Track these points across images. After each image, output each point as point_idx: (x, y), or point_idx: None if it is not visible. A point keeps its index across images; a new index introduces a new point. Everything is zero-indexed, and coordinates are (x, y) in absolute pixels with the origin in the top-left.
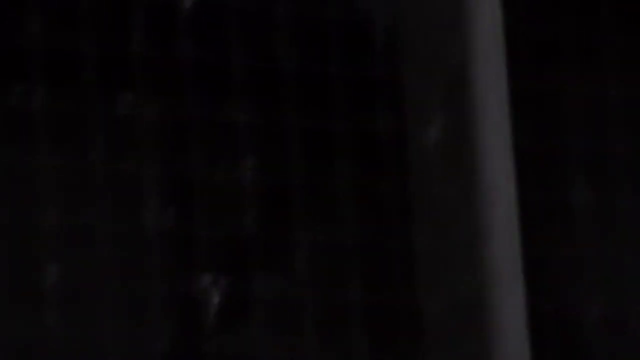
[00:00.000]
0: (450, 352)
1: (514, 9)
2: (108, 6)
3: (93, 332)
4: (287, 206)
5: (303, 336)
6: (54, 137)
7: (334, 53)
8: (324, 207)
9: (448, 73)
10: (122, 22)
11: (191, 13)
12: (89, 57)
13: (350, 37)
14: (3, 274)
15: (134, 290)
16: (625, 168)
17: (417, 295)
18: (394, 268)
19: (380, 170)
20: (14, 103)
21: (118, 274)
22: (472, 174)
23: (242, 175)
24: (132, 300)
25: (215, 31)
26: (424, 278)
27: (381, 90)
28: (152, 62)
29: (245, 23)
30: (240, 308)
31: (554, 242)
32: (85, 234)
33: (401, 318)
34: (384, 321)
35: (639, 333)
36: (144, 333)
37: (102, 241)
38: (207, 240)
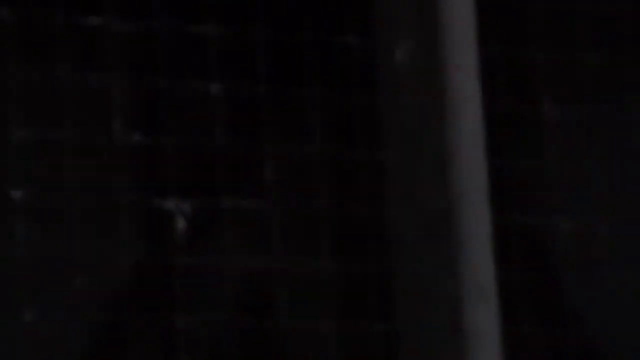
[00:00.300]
0: (416, 263)
1: None
2: None
3: (62, 248)
4: (255, 120)
5: (272, 249)
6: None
7: None
8: (292, 121)
9: None
10: None
11: None
12: None
13: None
14: None
15: (103, 205)
16: (593, 80)
17: (386, 207)
18: (362, 180)
19: (350, 86)
20: None
21: (87, 188)
22: (441, 91)
23: (211, 89)
24: (101, 216)
25: None
26: (393, 191)
27: (350, 6)
28: None
29: None
30: (209, 222)
31: (521, 156)
32: (53, 148)
33: (369, 230)
34: (351, 233)
35: (606, 247)
36: (113, 248)
37: (70, 155)
38: (175, 154)
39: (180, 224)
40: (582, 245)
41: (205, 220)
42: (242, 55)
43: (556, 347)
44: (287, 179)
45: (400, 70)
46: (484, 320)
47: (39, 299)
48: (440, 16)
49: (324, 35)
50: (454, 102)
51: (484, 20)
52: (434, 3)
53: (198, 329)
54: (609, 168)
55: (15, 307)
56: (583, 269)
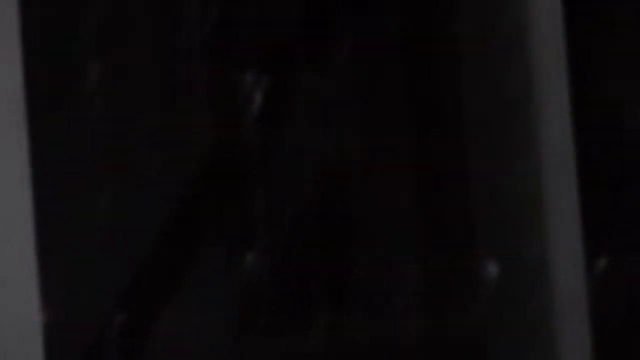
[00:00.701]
0: (494, 145)
1: None
2: None
3: (137, 127)
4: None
5: (347, 129)
6: None
7: None
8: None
9: None
10: None
11: None
12: None
13: None
14: (43, 75)
15: (178, 85)
16: None
17: (462, 87)
18: (438, 58)
19: None
20: None
21: (159, 67)
22: None
23: None
24: (176, 95)
25: None
26: (468, 71)
27: None
28: None
29: None
30: (284, 102)
31: (601, 35)
32: (127, 27)
33: (446, 108)
34: (428, 112)
35: None
36: (188, 126)
37: (142, 35)
38: (254, 29)
39: (258, 99)
40: None
41: (282, 97)
42: None
43: (635, 215)
44: (364, 58)
45: None
46: (563, 191)
47: (118, 175)
48: None
49: None
50: None
51: None
52: None
53: (275, 206)
54: None
55: (95, 184)
56: None
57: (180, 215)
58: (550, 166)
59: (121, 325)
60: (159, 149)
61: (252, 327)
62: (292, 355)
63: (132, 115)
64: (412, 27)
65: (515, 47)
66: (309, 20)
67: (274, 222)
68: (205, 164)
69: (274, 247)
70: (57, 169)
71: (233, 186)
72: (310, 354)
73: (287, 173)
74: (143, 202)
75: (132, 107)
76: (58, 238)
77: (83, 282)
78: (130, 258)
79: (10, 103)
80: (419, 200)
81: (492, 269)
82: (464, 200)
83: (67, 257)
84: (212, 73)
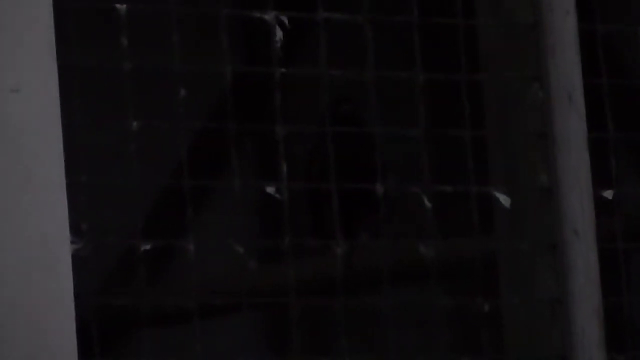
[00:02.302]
0: (505, 73)
1: None
2: None
3: (165, 59)
4: None
5: (365, 60)
6: None
7: None
8: None
9: None
10: None
11: None
12: None
13: None
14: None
15: (204, 17)
16: None
17: (476, 18)
18: None
19: None
20: None
21: (188, 1)
22: None
23: None
24: (202, 27)
25: None
26: (481, 3)
27: None
28: None
29: None
30: (306, 34)
31: None
32: None
33: (459, 41)
34: (443, 43)
35: None
36: (214, 59)
37: None
38: None
39: (279, 34)
40: None
41: (302, 32)
42: None
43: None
44: None
45: None
46: (572, 125)
47: (144, 109)
48: None
49: None
50: None
51: None
52: None
53: (296, 137)
54: None
55: (122, 117)
56: None
57: (205, 147)
58: (559, 101)
59: (145, 253)
60: (184, 83)
61: (272, 253)
62: (312, 278)
63: (159, 50)
64: None
65: None
66: None
67: (293, 152)
68: (228, 97)
69: (293, 177)
70: (86, 99)
71: (254, 118)
72: (328, 277)
73: (306, 106)
74: (168, 134)
75: (158, 43)
76: (86, 169)
77: (110, 212)
78: (154, 189)
79: (43, 36)
80: (433, 131)
81: (504, 199)
82: (476, 131)
83: (94, 189)
84: (236, 12)
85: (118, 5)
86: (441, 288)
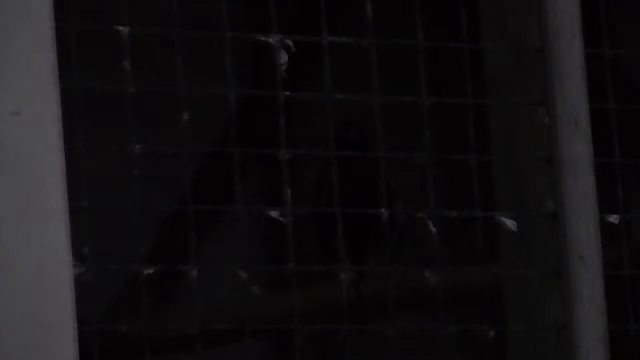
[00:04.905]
0: (512, 98)
1: None
2: None
3: (165, 83)
4: None
5: (371, 84)
6: None
7: None
8: None
9: None
10: None
11: None
12: None
13: None
14: (74, 35)
15: (208, 41)
16: None
17: (482, 41)
18: (458, 16)
19: None
20: None
21: (193, 25)
22: None
23: None
24: (206, 51)
25: None
26: (487, 26)
27: None
28: None
29: None
30: (311, 58)
31: None
32: None
33: (466, 65)
34: (448, 68)
35: None
36: (218, 83)
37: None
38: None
39: (283, 58)
40: None
41: (307, 56)
42: None
43: None
44: (387, 16)
45: None
46: (578, 150)
47: (147, 133)
48: None
49: None
50: None
51: None
52: None
53: (300, 161)
54: None
55: (125, 141)
56: None
57: (206, 173)
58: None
59: (148, 278)
60: (188, 107)
61: (277, 279)
62: (317, 305)
63: (162, 73)
64: None
65: None
66: None
67: (298, 178)
68: (232, 121)
69: (298, 203)
70: (88, 123)
71: (259, 143)
72: (334, 304)
73: (311, 130)
74: (171, 158)
75: (162, 66)
76: (88, 194)
77: (112, 237)
78: (158, 215)
79: (45, 59)
80: (439, 157)
81: (510, 223)
82: (482, 155)
83: (96, 213)
84: (241, 37)
85: (121, 28)
86: (447, 315)
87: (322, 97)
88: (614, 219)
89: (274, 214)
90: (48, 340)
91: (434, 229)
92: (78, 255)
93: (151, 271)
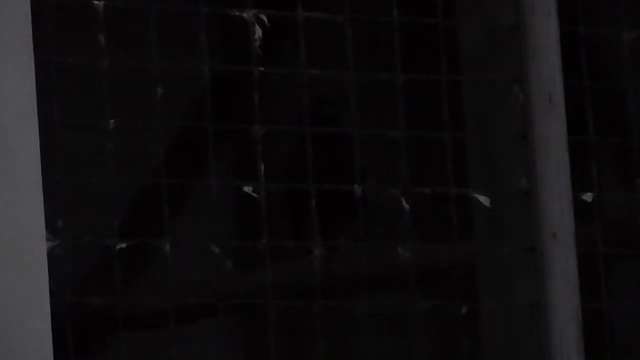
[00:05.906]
0: (486, 75)
1: None
2: None
3: (140, 58)
4: None
5: (345, 60)
6: None
7: None
8: None
9: None
10: None
11: None
12: None
13: None
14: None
15: (182, 16)
16: None
17: (457, 20)
18: None
19: None
20: None
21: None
22: None
23: None
24: (180, 26)
25: None
26: (463, 4)
27: None
28: None
29: None
30: (285, 33)
31: None
32: None
33: (440, 42)
34: (423, 45)
35: None
36: (192, 58)
37: None
38: None
39: (257, 33)
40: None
41: (281, 31)
42: None
43: (620, 154)
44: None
45: None
46: (552, 128)
47: (121, 107)
48: None
49: None
50: None
51: None
52: None
53: (274, 137)
54: None
55: (99, 116)
56: None
57: (180, 148)
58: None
59: (121, 252)
60: (162, 82)
61: (250, 255)
62: (289, 281)
63: (136, 48)
64: None
65: None
66: None
67: (272, 154)
68: (206, 97)
69: (271, 178)
70: (63, 97)
71: (233, 119)
72: (306, 280)
73: (285, 106)
74: (145, 133)
75: (136, 40)
76: (63, 167)
77: (86, 210)
78: (132, 189)
79: (20, 33)
80: (412, 134)
81: (484, 200)
82: (456, 134)
83: (71, 187)
84: (215, 12)
85: (95, 2)
86: (420, 291)
87: (297, 73)
88: (587, 196)
89: (247, 189)
90: (22, 312)
91: (406, 206)
92: (52, 229)
93: (124, 245)
